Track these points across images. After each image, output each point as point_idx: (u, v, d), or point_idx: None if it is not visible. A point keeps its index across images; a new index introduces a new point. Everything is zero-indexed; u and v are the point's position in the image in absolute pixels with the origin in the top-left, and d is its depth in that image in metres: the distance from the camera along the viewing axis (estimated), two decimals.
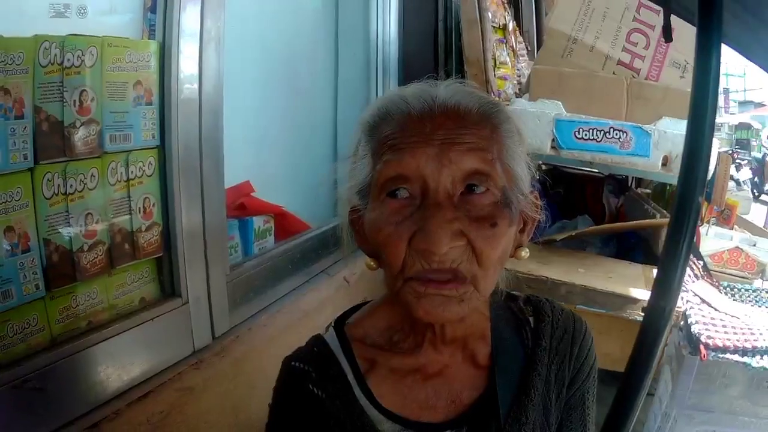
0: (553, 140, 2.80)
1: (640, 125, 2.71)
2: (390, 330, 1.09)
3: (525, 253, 1.04)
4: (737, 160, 9.77)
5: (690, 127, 0.83)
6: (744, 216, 5.51)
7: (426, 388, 1.05)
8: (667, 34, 1.39)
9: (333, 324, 1.14)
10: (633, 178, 4.40)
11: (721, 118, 17.79)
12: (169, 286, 1.74)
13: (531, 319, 1.16)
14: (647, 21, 2.96)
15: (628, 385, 0.83)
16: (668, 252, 0.81)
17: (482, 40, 4.03)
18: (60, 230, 1.35)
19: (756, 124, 14.78)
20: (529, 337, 1.13)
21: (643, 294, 2.54)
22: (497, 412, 1.04)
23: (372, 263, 1.01)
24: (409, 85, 1.01)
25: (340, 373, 1.05)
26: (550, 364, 1.11)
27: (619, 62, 2.93)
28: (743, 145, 17.44)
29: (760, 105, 18.78)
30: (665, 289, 0.79)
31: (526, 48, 5.80)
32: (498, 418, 1.04)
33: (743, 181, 9.25)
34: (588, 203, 4.00)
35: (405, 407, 1.03)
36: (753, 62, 1.51)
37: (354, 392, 1.03)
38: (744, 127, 14.71)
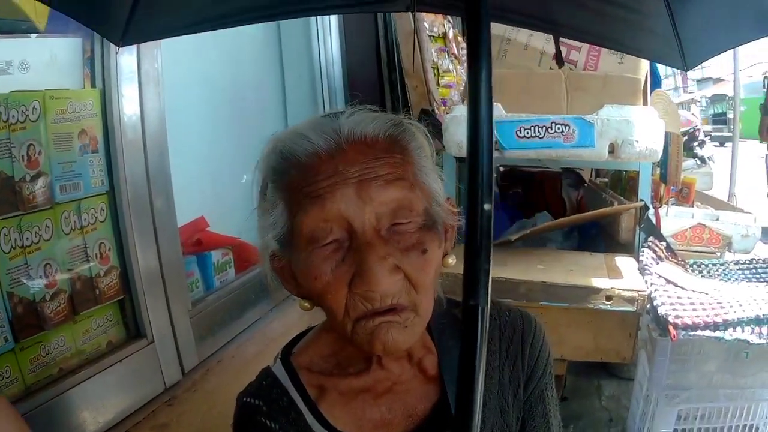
0: (495, 142, 2.89)
1: (582, 116, 2.82)
2: (335, 355, 1.12)
3: (452, 260, 1.06)
4: (700, 139, 9.96)
5: (469, 137, 0.86)
6: (707, 192, 5.71)
7: (379, 406, 1.08)
8: (559, 60, 1.51)
9: (279, 355, 1.16)
10: (592, 169, 4.54)
11: (680, 98, 17.79)
12: (133, 328, 1.85)
13: None
14: None
15: (463, 386, 0.84)
16: (467, 251, 0.83)
17: (420, 50, 4.17)
18: (22, 282, 1.46)
19: (730, 93, 14.82)
20: None
21: (605, 283, 2.63)
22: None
23: (306, 305, 1.03)
24: (303, 122, 1.01)
25: (290, 403, 1.07)
26: (502, 366, 1.15)
27: (555, 58, 3.05)
28: (720, 120, 17.00)
29: (719, 80, 18.97)
30: (472, 288, 0.82)
31: None
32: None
33: (708, 157, 9.43)
34: (548, 200, 4.08)
35: (360, 428, 1.07)
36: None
37: (307, 420, 1.05)
38: (718, 99, 14.54)
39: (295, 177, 0.95)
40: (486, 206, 0.82)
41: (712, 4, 1.32)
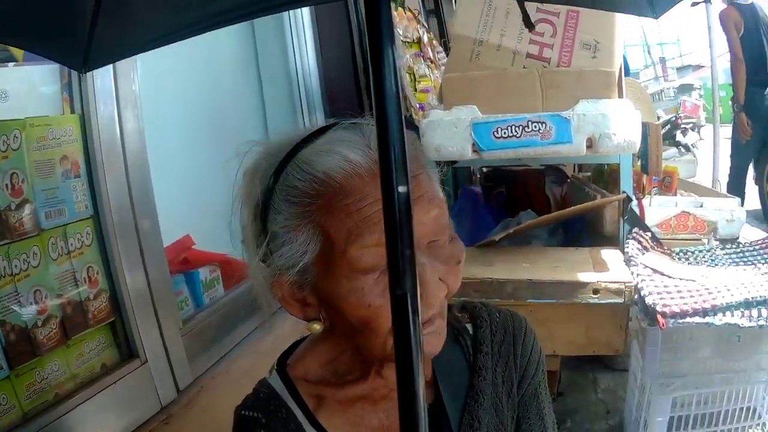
0: (473, 144, 2.94)
1: (558, 113, 2.86)
2: (332, 363, 1.13)
3: None
4: (682, 125, 10.04)
5: (377, 114, 0.78)
6: (690, 179, 5.78)
7: (377, 412, 1.10)
8: (528, 22, 1.50)
9: (275, 366, 1.17)
10: (575, 164, 4.60)
11: (660, 86, 17.92)
12: (126, 349, 1.88)
13: (468, 326, 1.22)
14: (551, 9, 3.13)
15: (402, 379, 0.79)
16: (388, 239, 0.77)
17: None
18: (13, 310, 1.49)
19: (697, 83, 14.97)
20: (469, 345, 1.20)
21: (591, 276, 2.67)
22: (448, 422, 1.12)
23: (317, 326, 1.03)
24: (322, 137, 0.98)
25: (289, 414, 1.08)
26: (495, 366, 1.18)
27: (528, 55, 3.08)
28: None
29: (699, 67, 19.13)
30: (396, 276, 0.76)
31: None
32: (450, 428, 1.12)
33: (692, 145, 9.53)
34: (532, 197, 4.13)
35: None
36: None
37: (306, 430, 1.07)
38: (686, 89, 14.78)
39: (333, 200, 0.93)
40: (401, 188, 0.75)
41: None
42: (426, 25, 5.62)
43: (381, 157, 0.76)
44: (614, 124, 2.85)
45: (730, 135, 7.22)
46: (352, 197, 0.91)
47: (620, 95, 3.04)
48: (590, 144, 2.87)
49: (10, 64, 1.62)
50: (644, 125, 3.19)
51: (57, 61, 1.50)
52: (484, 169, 4.75)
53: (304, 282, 1.00)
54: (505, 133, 2.84)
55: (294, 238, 0.97)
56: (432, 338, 0.98)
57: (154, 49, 1.36)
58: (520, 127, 2.82)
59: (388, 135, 0.76)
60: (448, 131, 2.95)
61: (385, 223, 0.76)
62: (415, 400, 0.77)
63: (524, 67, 3.01)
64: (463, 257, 1.00)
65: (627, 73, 5.19)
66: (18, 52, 1.62)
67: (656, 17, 1.34)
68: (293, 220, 0.97)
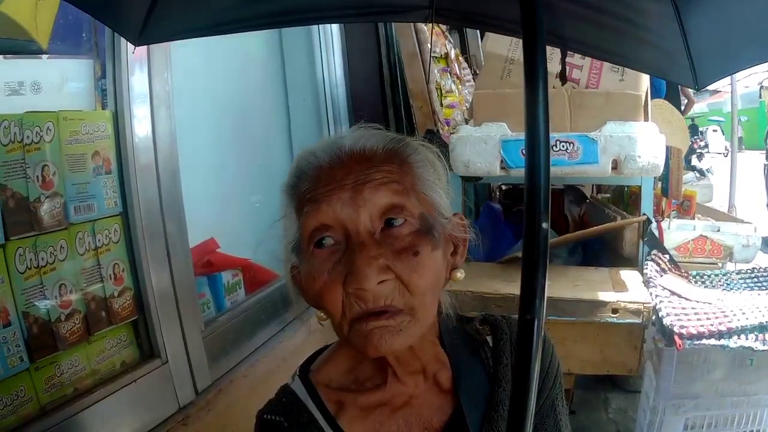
0: (501, 161, 2.92)
1: (586, 134, 2.83)
2: (353, 371, 1.13)
3: (461, 274, 1.09)
4: (698, 150, 10.00)
5: (528, 159, 0.91)
6: (707, 204, 5.71)
7: (396, 419, 1.09)
8: (563, 77, 1.53)
9: (297, 372, 1.17)
10: (593, 185, 4.54)
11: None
12: (147, 348, 1.83)
13: (489, 338, 1.20)
14: None
15: (516, 403, 0.88)
16: (525, 268, 0.86)
17: (424, 72, 4.19)
18: (37, 303, 1.45)
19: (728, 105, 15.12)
20: (489, 357, 1.18)
21: (610, 296, 2.62)
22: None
23: (322, 315, 1.05)
24: (318, 142, 1.07)
25: (311, 419, 1.08)
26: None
27: (558, 75, 3.05)
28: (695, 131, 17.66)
29: (715, 92, 19.14)
30: (529, 303, 0.85)
31: (475, 72, 5.96)
32: None
33: (707, 170, 9.46)
34: (551, 217, 4.09)
35: None
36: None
37: None
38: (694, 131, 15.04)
39: (301, 188, 1.01)
40: (544, 225, 0.88)
41: (724, 25, 1.32)
42: (452, 41, 5.58)
43: (527, 197, 0.90)
44: (640, 147, 2.82)
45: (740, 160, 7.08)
46: (311, 183, 1.00)
47: (646, 118, 2.99)
48: (615, 165, 2.85)
49: (44, 56, 1.59)
50: (667, 149, 3.14)
51: (115, 29, 1.50)
52: (503, 187, 4.69)
53: (300, 265, 1.05)
54: None
55: (287, 223, 1.06)
56: (386, 335, 0.95)
57: (208, 36, 1.43)
58: None
59: (536, 179, 0.89)
60: (478, 147, 2.93)
61: (525, 253, 0.88)
62: (525, 414, 0.88)
63: (553, 87, 2.97)
64: (422, 250, 0.97)
65: (659, 93, 5.13)
66: (43, 42, 1.59)
67: (697, 89, 1.43)
68: (285, 208, 1.06)
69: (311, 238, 0.98)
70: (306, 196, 0.99)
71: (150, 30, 1.27)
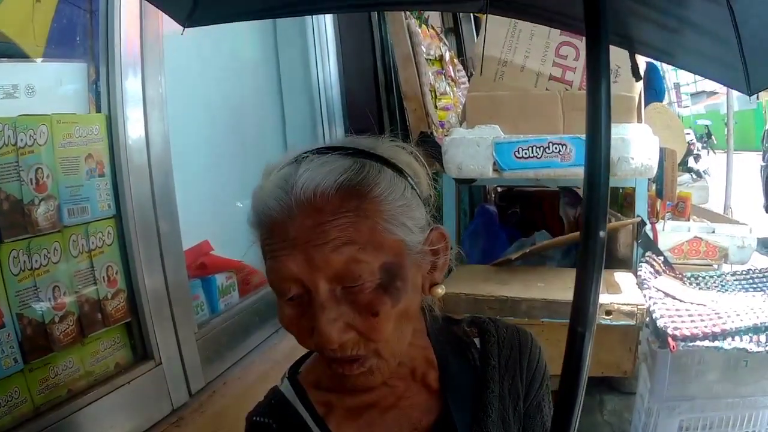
0: (494, 163, 2.93)
1: (579, 135, 2.82)
2: None
3: (441, 290, 1.07)
4: (695, 152, 10.03)
5: (587, 168, 0.94)
6: (703, 205, 5.72)
7: (385, 420, 1.09)
8: (636, 73, 1.54)
9: (287, 374, 1.17)
10: None
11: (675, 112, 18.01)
12: (141, 350, 1.85)
13: (476, 340, 1.20)
14: (575, 33, 3.12)
15: (563, 408, 0.92)
16: (578, 281, 0.88)
17: (418, 74, 4.21)
18: (31, 304, 1.46)
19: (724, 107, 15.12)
20: (476, 358, 1.18)
21: (604, 298, 2.61)
22: None
23: None
24: (275, 170, 1.01)
25: (300, 421, 1.09)
26: (502, 380, 1.17)
27: (551, 77, 3.07)
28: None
29: (713, 94, 19.12)
30: (581, 315, 0.87)
31: (470, 74, 5.95)
32: None
33: (703, 171, 9.46)
34: (546, 218, 4.10)
35: None
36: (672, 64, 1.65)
37: None
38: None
39: (260, 232, 0.98)
40: (602, 233, 0.91)
41: None
42: (447, 43, 5.59)
43: (587, 206, 0.93)
44: (633, 149, 2.84)
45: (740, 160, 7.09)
46: (267, 233, 0.96)
47: (639, 120, 3.01)
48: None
49: (38, 59, 1.60)
50: (661, 150, 3.15)
51: (165, 11, 1.50)
52: (499, 189, 4.71)
53: None
54: (526, 153, 2.83)
55: (259, 252, 1.03)
56: (360, 378, 0.99)
57: (253, 20, 1.49)
58: (541, 148, 2.81)
59: (596, 188, 0.92)
60: (471, 149, 2.94)
61: (580, 264, 0.91)
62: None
63: (547, 89, 2.99)
64: (381, 309, 0.94)
65: (660, 97, 5.15)
66: (39, 46, 1.60)
67: (750, 94, 1.44)
68: (253, 237, 1.02)
69: (276, 291, 0.98)
70: (265, 247, 0.97)
71: (199, 14, 1.32)
